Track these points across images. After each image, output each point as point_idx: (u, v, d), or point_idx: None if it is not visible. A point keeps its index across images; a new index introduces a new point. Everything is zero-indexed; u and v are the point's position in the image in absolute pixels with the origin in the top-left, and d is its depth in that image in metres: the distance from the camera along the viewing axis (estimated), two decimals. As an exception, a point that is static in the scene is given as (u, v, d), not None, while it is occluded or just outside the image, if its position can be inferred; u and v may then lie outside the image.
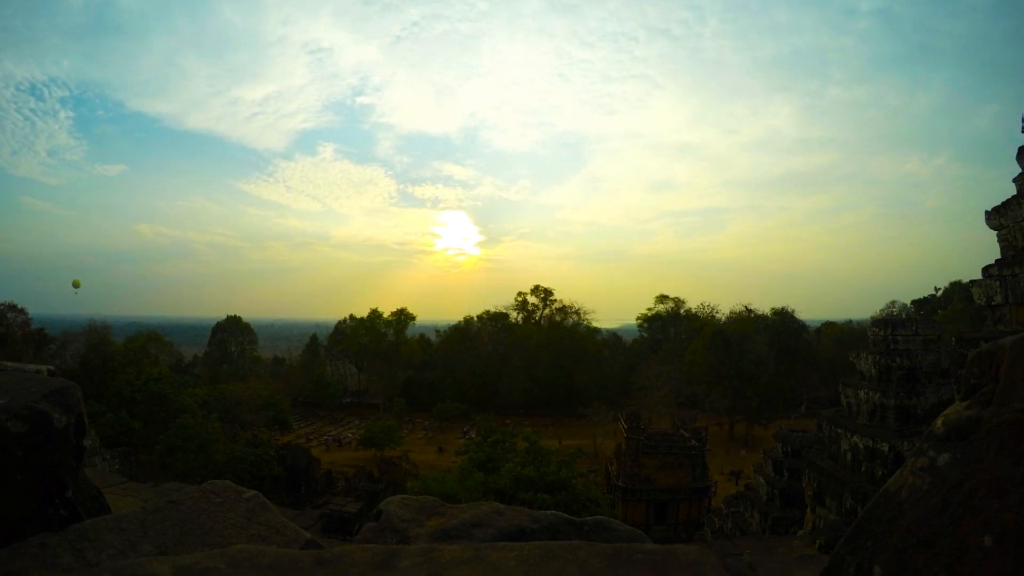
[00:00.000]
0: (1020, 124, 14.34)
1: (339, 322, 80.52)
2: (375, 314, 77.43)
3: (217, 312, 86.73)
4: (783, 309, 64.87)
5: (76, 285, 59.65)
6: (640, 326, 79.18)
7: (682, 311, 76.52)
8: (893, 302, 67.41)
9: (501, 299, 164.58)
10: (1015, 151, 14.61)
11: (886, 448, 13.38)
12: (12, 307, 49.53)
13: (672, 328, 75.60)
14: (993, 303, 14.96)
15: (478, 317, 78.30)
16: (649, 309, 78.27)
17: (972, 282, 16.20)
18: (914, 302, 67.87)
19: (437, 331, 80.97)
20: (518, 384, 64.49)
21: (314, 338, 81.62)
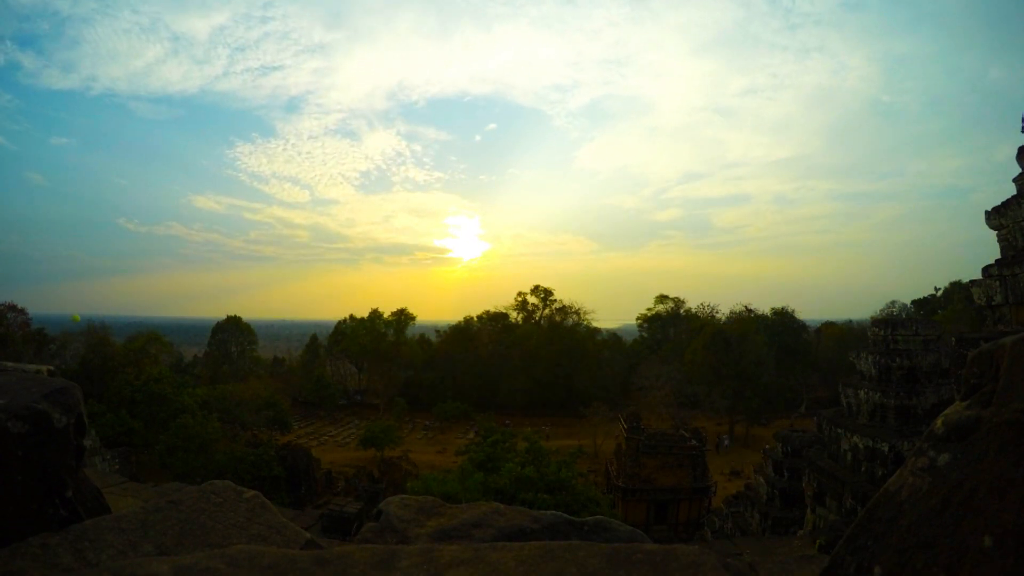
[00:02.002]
0: None
1: (339, 322, 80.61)
2: (375, 314, 77.48)
3: (217, 312, 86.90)
4: (783, 309, 64.96)
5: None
6: (640, 326, 79.29)
7: (682, 311, 76.63)
8: (893, 302, 67.46)
9: (503, 297, 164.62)
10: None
11: (886, 448, 13.37)
12: (12, 307, 49.53)
13: (672, 328, 75.69)
14: (993, 303, 14.96)
15: (478, 317, 78.38)
16: (649, 309, 78.45)
17: (972, 282, 16.19)
18: (914, 302, 67.86)
19: (437, 331, 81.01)
20: (518, 384, 64.50)
21: (314, 338, 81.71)
